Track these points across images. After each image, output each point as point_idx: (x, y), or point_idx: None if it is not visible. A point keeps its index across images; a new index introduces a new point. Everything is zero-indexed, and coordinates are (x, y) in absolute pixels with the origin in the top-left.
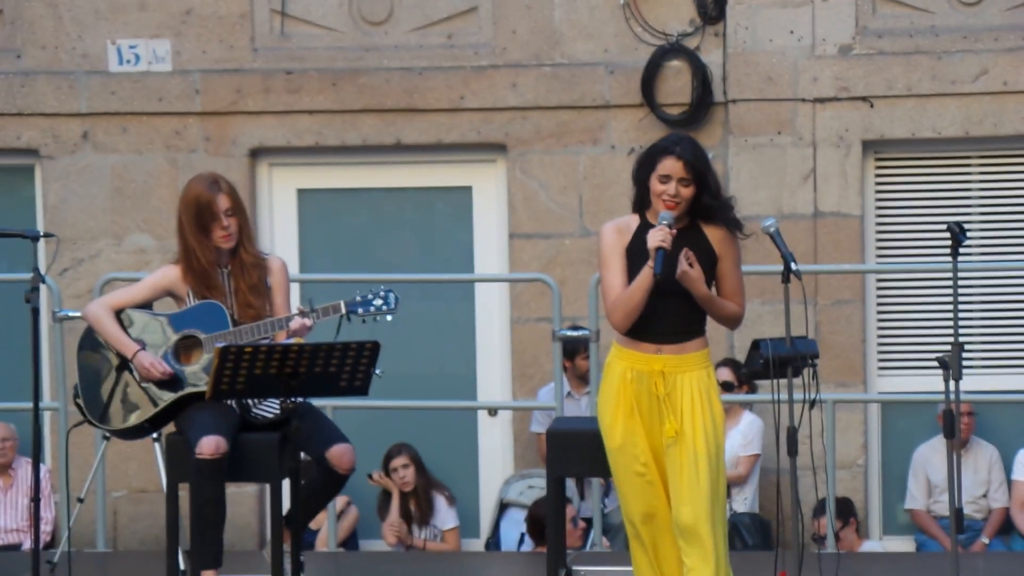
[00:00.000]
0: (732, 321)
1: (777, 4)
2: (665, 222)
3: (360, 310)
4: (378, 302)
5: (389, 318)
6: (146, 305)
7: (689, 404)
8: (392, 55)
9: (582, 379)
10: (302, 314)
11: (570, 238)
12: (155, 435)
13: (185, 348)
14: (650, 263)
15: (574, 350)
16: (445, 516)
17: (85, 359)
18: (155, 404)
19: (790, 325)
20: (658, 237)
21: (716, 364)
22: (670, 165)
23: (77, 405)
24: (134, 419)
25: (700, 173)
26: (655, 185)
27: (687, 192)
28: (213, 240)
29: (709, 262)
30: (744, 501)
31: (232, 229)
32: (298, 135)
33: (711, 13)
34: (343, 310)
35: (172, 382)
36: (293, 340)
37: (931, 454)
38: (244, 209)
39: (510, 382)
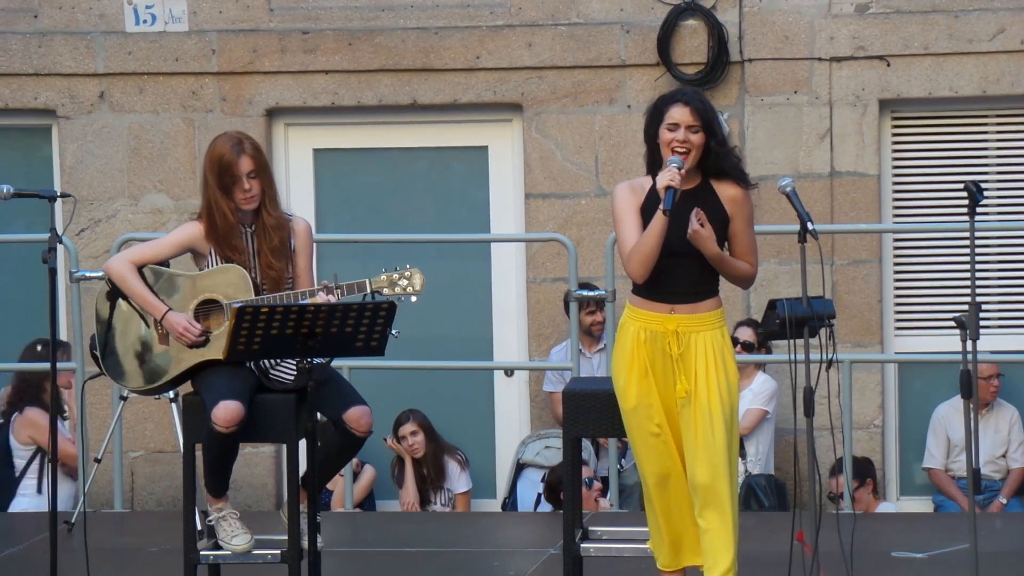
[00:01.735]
0: (744, 281)
1: None
2: (674, 165)
3: (386, 290)
4: (403, 283)
5: (414, 299)
6: (166, 263)
7: (703, 364)
8: (408, 14)
9: (589, 334)
10: (327, 290)
11: (586, 198)
12: (171, 395)
13: (205, 313)
14: (661, 206)
15: (579, 306)
16: (457, 480)
17: (103, 314)
18: (173, 368)
19: (807, 285)
20: (667, 177)
21: (737, 324)
22: (677, 112)
23: (94, 356)
24: (151, 381)
25: (707, 120)
26: (664, 134)
27: (696, 139)
28: (235, 201)
29: (721, 222)
30: (759, 462)
31: (254, 192)
32: (314, 95)
33: None
34: (368, 289)
35: (199, 343)
36: (309, 301)
37: (952, 413)
38: (268, 170)
39: (526, 342)
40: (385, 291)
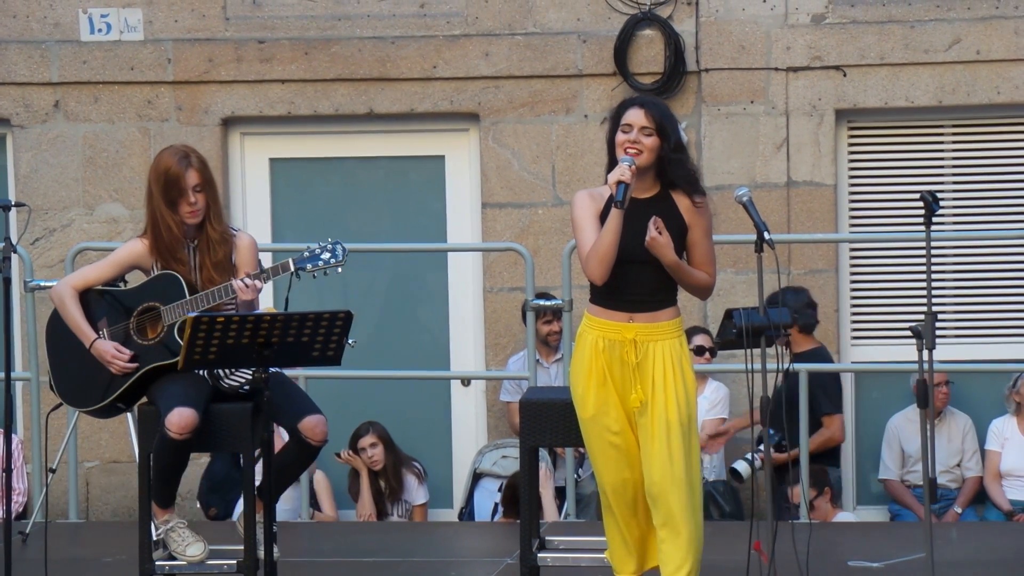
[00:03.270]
0: (702, 290)
1: None
2: (626, 163)
3: (309, 265)
4: (326, 256)
5: (339, 270)
6: (114, 281)
7: (661, 373)
8: (365, 24)
9: (546, 344)
10: (252, 277)
11: (543, 207)
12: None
13: (152, 321)
14: (614, 202)
15: (536, 315)
16: (415, 492)
17: (54, 339)
18: (121, 383)
19: (763, 294)
20: (617, 172)
21: (691, 333)
22: (632, 115)
23: (51, 387)
24: (103, 399)
25: (661, 125)
26: (618, 136)
27: (649, 142)
28: (180, 215)
29: (679, 230)
30: (714, 469)
31: (199, 205)
32: (270, 104)
33: None
34: (292, 267)
35: (138, 357)
36: (265, 310)
37: (905, 424)
38: (214, 184)
39: (483, 352)
40: (309, 267)
